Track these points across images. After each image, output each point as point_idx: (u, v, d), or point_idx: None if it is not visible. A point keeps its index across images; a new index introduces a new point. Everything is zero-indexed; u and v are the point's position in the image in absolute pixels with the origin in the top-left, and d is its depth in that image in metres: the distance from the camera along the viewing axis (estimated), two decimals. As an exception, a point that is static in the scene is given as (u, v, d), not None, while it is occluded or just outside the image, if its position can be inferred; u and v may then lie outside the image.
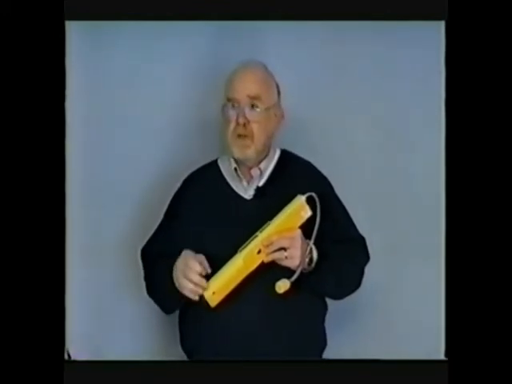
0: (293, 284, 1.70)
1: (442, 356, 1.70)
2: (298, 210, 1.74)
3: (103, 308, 2.07)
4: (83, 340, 1.88)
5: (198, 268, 1.72)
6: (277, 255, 1.71)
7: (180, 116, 2.14)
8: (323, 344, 1.86)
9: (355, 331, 2.07)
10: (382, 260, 1.93)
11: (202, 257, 1.74)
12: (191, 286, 1.72)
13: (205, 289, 1.72)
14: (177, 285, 1.75)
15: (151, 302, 1.90)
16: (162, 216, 1.93)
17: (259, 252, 1.72)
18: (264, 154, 1.88)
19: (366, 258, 1.88)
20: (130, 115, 2.10)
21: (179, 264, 1.75)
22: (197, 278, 1.72)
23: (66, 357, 1.75)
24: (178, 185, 1.94)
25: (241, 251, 1.72)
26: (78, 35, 1.95)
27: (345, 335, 1.92)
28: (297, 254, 1.71)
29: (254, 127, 1.82)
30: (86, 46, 2.05)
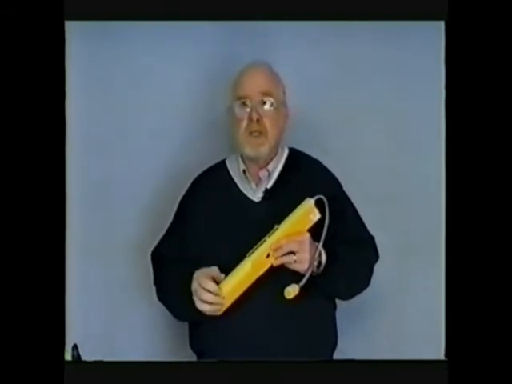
0: (302, 287, 1.70)
1: (442, 356, 1.70)
2: (307, 213, 1.73)
3: (111, 309, 2.08)
4: (91, 341, 1.88)
5: (211, 287, 1.71)
6: (286, 259, 1.71)
7: (186, 117, 2.14)
8: (334, 343, 1.86)
9: (354, 331, 2.07)
10: (381, 260, 1.93)
11: (213, 270, 1.73)
12: (208, 307, 1.72)
13: (222, 304, 1.72)
14: (195, 303, 1.74)
15: (159, 303, 1.90)
16: (171, 217, 1.94)
17: (268, 256, 1.72)
18: (274, 153, 1.87)
19: (376, 257, 1.89)
20: (130, 115, 2.11)
21: (194, 285, 1.73)
22: (212, 298, 1.71)
23: (71, 357, 1.75)
24: (187, 185, 1.94)
25: (250, 255, 1.72)
26: (78, 35, 1.95)
27: (344, 335, 1.92)
28: (306, 257, 1.71)
29: (267, 123, 1.82)
30: (85, 46, 2.05)
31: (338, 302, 1.90)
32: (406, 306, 2.10)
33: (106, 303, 2.08)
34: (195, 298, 1.73)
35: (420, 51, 2.10)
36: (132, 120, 2.12)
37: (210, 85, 2.13)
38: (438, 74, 1.77)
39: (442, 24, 1.75)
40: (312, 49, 2.14)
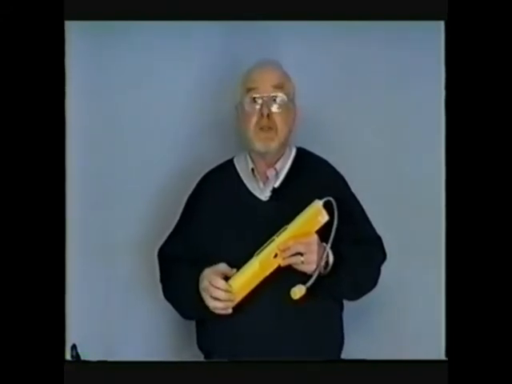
0: (309, 287, 1.70)
1: (442, 356, 1.70)
2: (315, 214, 1.73)
3: (112, 308, 2.08)
4: (93, 341, 1.88)
5: (221, 284, 1.71)
6: (293, 260, 1.71)
7: (190, 117, 2.14)
8: (341, 343, 1.86)
9: (355, 331, 2.07)
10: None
11: (222, 267, 1.73)
12: (220, 304, 1.72)
13: (233, 300, 1.71)
14: (206, 303, 1.74)
15: (165, 301, 1.90)
16: (177, 216, 1.93)
17: (276, 256, 1.72)
18: (282, 151, 1.87)
19: (383, 257, 1.88)
20: (130, 115, 2.11)
21: (204, 284, 1.73)
22: (223, 295, 1.71)
23: (70, 357, 1.75)
24: (194, 184, 1.94)
25: (257, 255, 1.72)
26: (78, 35, 1.95)
27: (345, 335, 1.92)
28: (313, 259, 1.71)
29: (277, 119, 1.82)
30: (85, 46, 2.05)
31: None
32: (406, 306, 2.10)
33: (107, 303, 2.08)
34: (206, 296, 1.72)
35: (420, 51, 2.10)
36: (132, 120, 2.11)
37: (213, 84, 2.13)
38: (438, 74, 1.77)
39: (441, 24, 1.75)
40: (312, 48, 2.14)
